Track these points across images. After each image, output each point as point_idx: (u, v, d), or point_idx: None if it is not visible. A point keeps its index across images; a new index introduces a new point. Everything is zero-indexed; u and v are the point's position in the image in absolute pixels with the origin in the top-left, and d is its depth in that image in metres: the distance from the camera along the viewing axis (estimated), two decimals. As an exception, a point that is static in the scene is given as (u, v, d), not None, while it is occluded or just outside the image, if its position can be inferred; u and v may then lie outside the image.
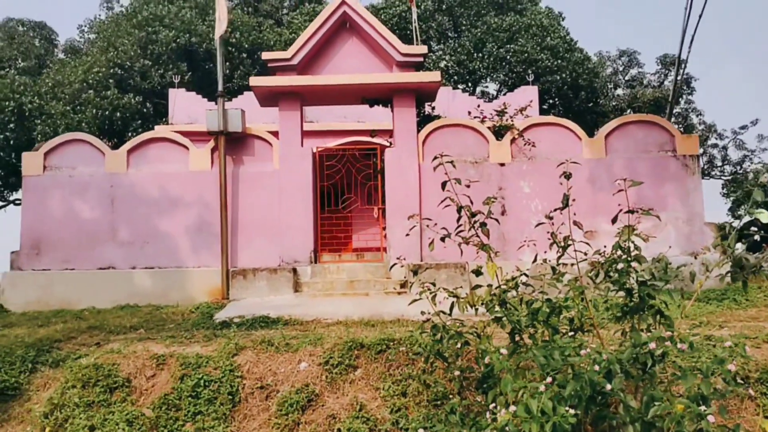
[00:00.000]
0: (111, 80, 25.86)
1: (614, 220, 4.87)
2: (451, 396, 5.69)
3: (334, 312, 8.84)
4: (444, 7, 28.59)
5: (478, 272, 5.34)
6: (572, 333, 4.98)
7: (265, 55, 11.59)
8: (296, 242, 11.32)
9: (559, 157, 11.55)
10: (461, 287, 5.56)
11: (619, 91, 33.96)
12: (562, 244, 4.94)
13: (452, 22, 29.22)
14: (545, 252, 5.40)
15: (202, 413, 5.99)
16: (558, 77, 26.94)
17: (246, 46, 26.11)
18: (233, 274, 10.84)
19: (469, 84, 28.73)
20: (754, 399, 5.74)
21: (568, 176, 5.15)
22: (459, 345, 4.86)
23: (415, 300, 4.97)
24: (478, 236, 5.18)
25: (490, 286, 5.23)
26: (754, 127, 29.81)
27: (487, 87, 29.34)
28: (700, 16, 13.36)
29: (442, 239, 5.22)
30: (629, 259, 4.50)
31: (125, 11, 29.21)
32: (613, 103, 31.51)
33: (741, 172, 30.63)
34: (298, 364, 6.35)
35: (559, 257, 5.01)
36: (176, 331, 8.09)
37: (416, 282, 5.24)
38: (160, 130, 12.01)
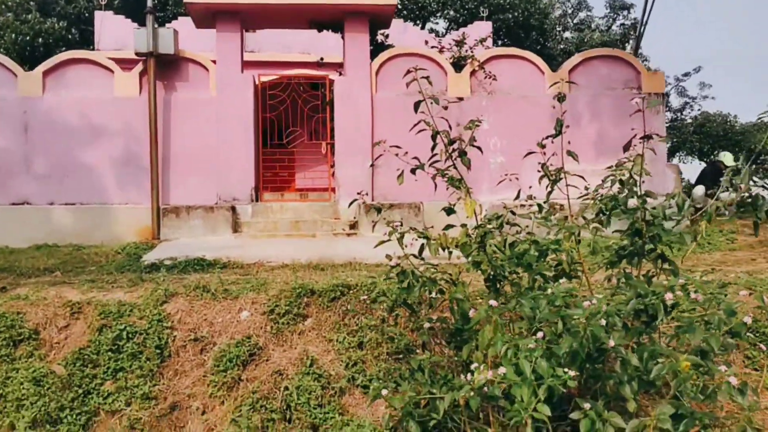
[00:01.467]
0: (32, 3, 23.79)
1: (626, 148, 4.20)
2: (415, 349, 5.01)
3: (278, 254, 8.01)
4: (393, -64, 27.07)
5: (450, 210, 4.61)
6: (559, 279, 4.33)
7: (201, -33, 10.29)
8: (235, 179, 10.33)
9: (521, 92, 10.86)
10: (415, 228, 4.78)
11: (567, 34, 33.57)
12: (553, 177, 4.24)
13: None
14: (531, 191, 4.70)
15: (125, 369, 5.13)
16: (510, 15, 26.09)
17: (182, -30, 24.11)
18: (165, 212, 9.82)
19: (418, 21, 27.56)
20: (742, 350, 5.28)
21: (561, 99, 4.43)
22: (432, 294, 4.13)
23: (383, 242, 4.19)
24: (455, 167, 4.43)
25: (464, 226, 4.51)
26: (696, 74, 29.92)
27: (437, 23, 28.26)
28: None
29: (413, 171, 4.45)
30: (641, 194, 3.82)
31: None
32: (561, 46, 30.98)
33: (681, 118, 30.80)
34: (239, 313, 5.53)
35: (549, 192, 4.31)
36: (97, 275, 7.12)
37: (379, 221, 4.46)
38: (81, 51, 10.66)
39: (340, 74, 10.92)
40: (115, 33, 17.52)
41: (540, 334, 3.58)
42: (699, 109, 29.57)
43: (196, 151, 10.38)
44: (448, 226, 4.61)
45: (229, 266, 7.48)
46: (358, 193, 5.07)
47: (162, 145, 10.28)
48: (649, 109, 11.27)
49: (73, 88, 10.26)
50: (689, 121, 28.60)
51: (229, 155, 10.32)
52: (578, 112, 10.97)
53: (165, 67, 10.30)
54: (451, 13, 27.47)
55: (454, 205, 4.65)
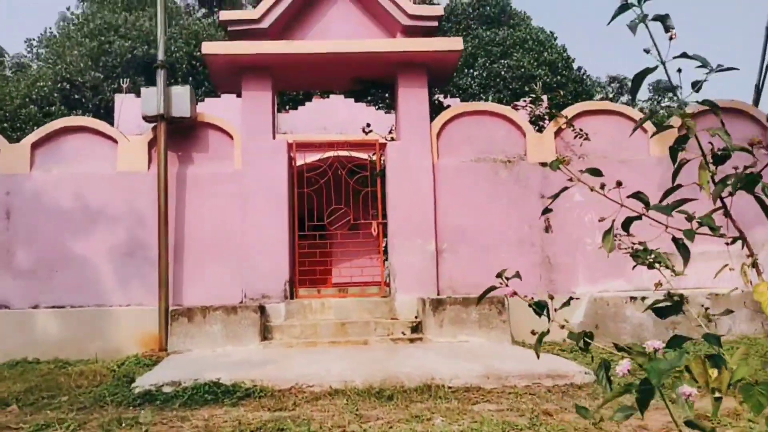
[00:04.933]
0: (57, 95, 23.11)
1: None
2: None
3: (322, 373, 5.66)
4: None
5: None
6: None
7: (224, 15, 8.49)
8: (265, 270, 8.15)
9: (619, 155, 8.68)
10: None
11: (611, 118, 32.23)
12: None
13: (440, 35, 26.73)
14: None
15: None
16: (559, 94, 24.55)
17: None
18: (175, 314, 7.60)
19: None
20: None
21: None
22: None
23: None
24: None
25: (680, 339, 2.24)
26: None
27: (478, 106, 26.82)
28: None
29: (625, 225, 2.23)
30: None
31: (76, 20, 26.32)
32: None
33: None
34: (266, 497, 3.18)
35: None
36: (63, 412, 4.84)
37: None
38: (78, 118, 8.86)
39: (392, 139, 8.90)
40: (136, 116, 15.98)
41: None
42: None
43: (216, 237, 8.30)
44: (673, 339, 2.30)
45: (255, 394, 5.13)
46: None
47: (174, 231, 8.23)
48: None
49: (67, 162, 8.36)
50: None
51: (257, 241, 8.20)
52: (692, 179, 8.70)
53: (179, 134, 8.38)
54: (492, 94, 26.13)
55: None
